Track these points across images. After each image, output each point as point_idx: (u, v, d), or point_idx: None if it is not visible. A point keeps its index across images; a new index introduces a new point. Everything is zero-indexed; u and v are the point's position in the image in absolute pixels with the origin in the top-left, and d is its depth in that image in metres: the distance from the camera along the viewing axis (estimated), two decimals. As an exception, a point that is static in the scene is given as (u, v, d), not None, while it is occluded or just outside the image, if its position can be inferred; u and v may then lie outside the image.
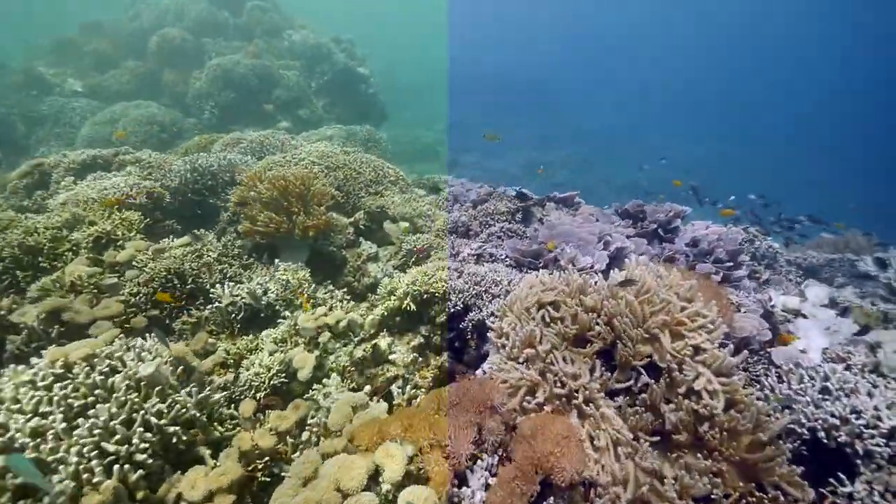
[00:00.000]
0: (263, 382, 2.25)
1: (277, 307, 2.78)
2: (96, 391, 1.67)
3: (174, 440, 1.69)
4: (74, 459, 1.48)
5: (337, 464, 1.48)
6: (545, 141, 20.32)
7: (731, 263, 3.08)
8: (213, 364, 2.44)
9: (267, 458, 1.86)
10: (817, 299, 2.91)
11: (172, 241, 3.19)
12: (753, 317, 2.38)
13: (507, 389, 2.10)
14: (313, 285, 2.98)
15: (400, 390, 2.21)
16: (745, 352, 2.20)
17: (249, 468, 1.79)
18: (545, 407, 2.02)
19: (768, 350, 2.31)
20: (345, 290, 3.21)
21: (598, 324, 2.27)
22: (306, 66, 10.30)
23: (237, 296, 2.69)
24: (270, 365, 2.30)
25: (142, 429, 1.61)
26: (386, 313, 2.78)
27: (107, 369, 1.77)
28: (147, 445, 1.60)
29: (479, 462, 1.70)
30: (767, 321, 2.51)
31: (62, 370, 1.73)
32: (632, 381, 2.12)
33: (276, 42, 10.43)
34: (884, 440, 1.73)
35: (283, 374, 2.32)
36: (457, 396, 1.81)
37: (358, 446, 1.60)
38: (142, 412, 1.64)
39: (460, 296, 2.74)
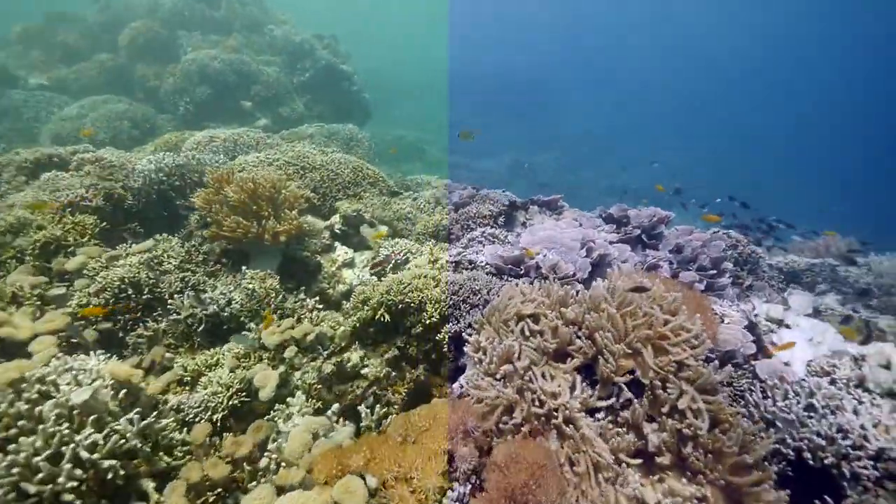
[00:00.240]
0: (221, 403, 2.08)
1: (242, 318, 2.61)
2: (20, 422, 1.49)
3: (110, 475, 1.51)
4: (-12, 503, 1.31)
5: (291, 502, 1.34)
6: (533, 142, 20.34)
7: (715, 271, 3.01)
8: (169, 382, 2.26)
9: (220, 490, 1.70)
10: (800, 308, 2.87)
11: (130, 246, 2.98)
12: (737, 328, 2.31)
13: (483, 408, 1.98)
14: (281, 295, 2.81)
15: (369, 411, 2.06)
16: (730, 367, 2.12)
17: (199, 502, 1.63)
18: (523, 427, 1.90)
19: (752, 363, 2.23)
20: (317, 298, 3.05)
21: (578, 337, 2.17)
22: (287, 62, 10.03)
23: (195, 307, 2.50)
24: (230, 383, 2.13)
25: (70, 465, 1.44)
26: (358, 324, 2.63)
27: (36, 395, 1.59)
28: (76, 483, 1.42)
29: (449, 493, 1.58)
30: (751, 332, 2.44)
31: (-16, 397, 1.55)
32: (613, 399, 2.02)
33: (255, 37, 10.13)
34: (871, 462, 1.66)
35: (245, 393, 2.16)
36: (427, 421, 1.68)
37: (316, 479, 1.45)
38: (72, 445, 1.47)
39: (436, 306, 2.61)
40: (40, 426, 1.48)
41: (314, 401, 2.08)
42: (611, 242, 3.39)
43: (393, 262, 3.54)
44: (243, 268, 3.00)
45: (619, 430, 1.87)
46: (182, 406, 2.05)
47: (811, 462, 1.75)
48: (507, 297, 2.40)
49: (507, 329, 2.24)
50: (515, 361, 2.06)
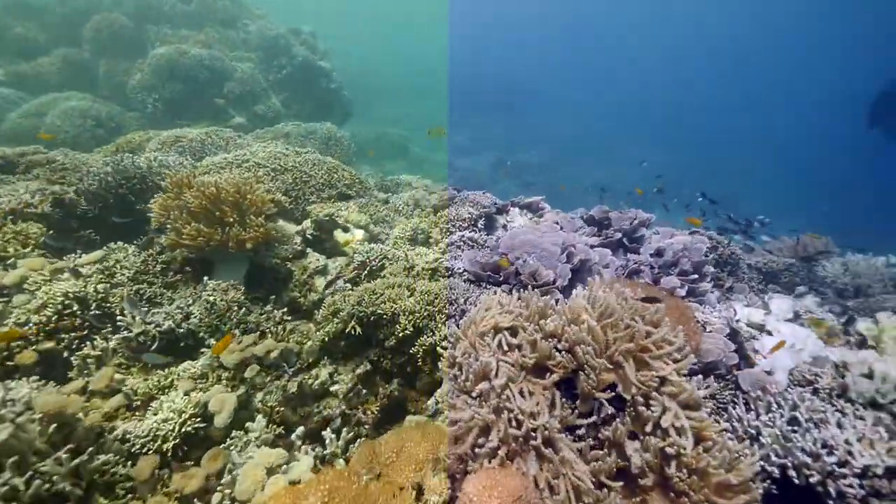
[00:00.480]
0: (173, 430, 1.90)
1: (201, 334, 2.43)
2: (-77, 469, 1.30)
3: (33, 525, 1.34)
4: None
5: (236, 553, 1.19)
6: (519, 140, 20.33)
7: (696, 276, 2.96)
8: (116, 407, 2.07)
9: (165, 532, 1.53)
10: (781, 312, 2.83)
11: (79, 256, 2.76)
12: (719, 337, 2.25)
13: (457, 431, 1.86)
14: (244, 308, 2.63)
15: (334, 436, 1.92)
16: (713, 380, 2.05)
17: (140, 548, 1.46)
18: (499, 451, 1.79)
19: (735, 373, 2.17)
20: (285, 309, 2.88)
21: (558, 350, 2.07)
22: (263, 58, 9.71)
23: (151, 323, 2.31)
24: (183, 408, 1.96)
25: (-18, 518, 1.26)
26: (327, 338, 2.47)
27: (-53, 436, 1.40)
28: (-11, 539, 1.25)
29: (417, 530, 1.45)
30: (733, 340, 2.38)
31: None
32: (595, 416, 1.93)
33: (230, 32, 9.77)
34: (857, 480, 1.59)
35: (200, 418, 1.99)
36: (394, 450, 1.55)
37: (268, 523, 1.31)
38: (-15, 495, 1.29)
39: (410, 317, 2.48)
40: (-52, 473, 1.29)
41: (275, 426, 1.92)
42: (592, 246, 3.31)
43: (368, 269, 3.39)
44: (205, 278, 2.81)
45: (600, 452, 1.77)
46: (128, 436, 1.87)
47: (796, 480, 1.69)
48: (485, 308, 2.28)
49: (484, 343, 2.12)
50: (492, 379, 1.94)
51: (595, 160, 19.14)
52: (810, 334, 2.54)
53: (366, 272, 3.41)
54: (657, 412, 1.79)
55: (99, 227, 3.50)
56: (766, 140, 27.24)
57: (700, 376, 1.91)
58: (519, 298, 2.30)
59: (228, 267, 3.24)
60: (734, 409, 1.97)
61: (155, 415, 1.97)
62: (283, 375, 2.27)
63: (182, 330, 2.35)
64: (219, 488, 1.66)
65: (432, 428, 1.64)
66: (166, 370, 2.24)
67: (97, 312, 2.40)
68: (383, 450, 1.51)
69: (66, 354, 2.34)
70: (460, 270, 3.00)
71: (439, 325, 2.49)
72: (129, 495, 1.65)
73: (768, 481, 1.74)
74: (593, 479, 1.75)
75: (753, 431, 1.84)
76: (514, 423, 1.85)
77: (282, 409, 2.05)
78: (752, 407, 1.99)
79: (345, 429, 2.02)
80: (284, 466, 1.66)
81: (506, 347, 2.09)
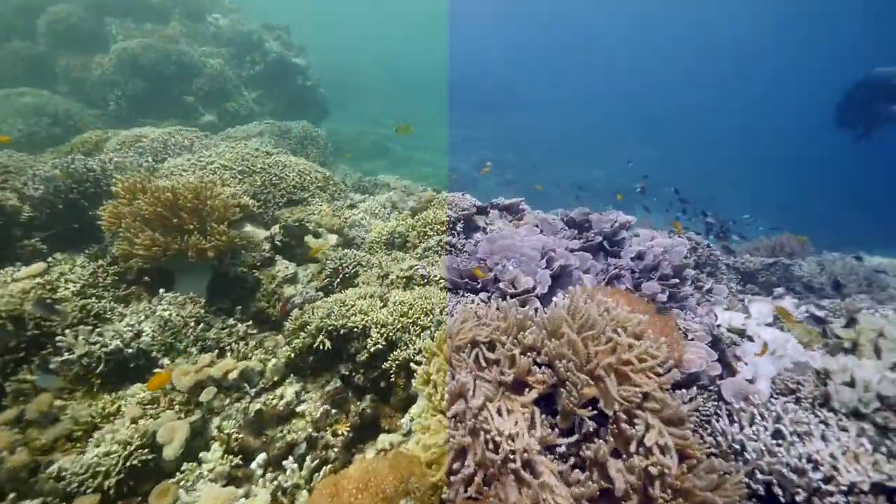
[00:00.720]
0: (116, 464, 1.72)
1: (154, 353, 2.23)
2: None
3: None
4: None
5: None
6: (502, 139, 20.30)
7: (677, 280, 2.91)
8: (55, 438, 1.87)
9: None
10: (761, 316, 2.81)
11: (18, 269, 2.51)
12: (702, 346, 2.19)
13: (430, 456, 1.74)
14: (202, 324, 2.44)
15: (296, 466, 1.77)
16: (696, 394, 1.99)
17: None
18: (475, 477, 1.68)
19: (718, 383, 2.11)
20: (250, 323, 2.70)
21: (538, 364, 1.97)
22: (235, 54, 9.34)
23: (96, 343, 2.11)
24: (128, 439, 1.77)
25: None
26: (294, 354, 2.31)
27: None
28: None
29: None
30: (715, 347, 2.33)
31: None
32: (576, 433, 1.83)
33: (198, 27, 9.36)
34: (843, 497, 1.54)
35: (149, 449, 1.81)
36: (359, 485, 1.41)
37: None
38: None
39: (383, 330, 2.34)
40: None
41: (231, 457, 1.76)
42: (572, 250, 3.23)
43: (341, 276, 3.23)
44: (161, 291, 2.60)
45: (582, 475, 1.68)
46: (63, 473, 1.67)
47: (781, 498, 1.62)
48: (461, 320, 2.16)
49: (460, 359, 2.00)
50: (469, 399, 1.82)
51: (580, 160, 19.29)
52: (790, 338, 2.52)
53: (339, 279, 3.25)
54: (640, 430, 1.71)
55: (47, 235, 3.24)
56: (748, 140, 27.96)
57: (683, 390, 1.84)
58: (497, 309, 2.19)
59: (190, 277, 3.03)
60: (718, 422, 1.90)
61: (96, 447, 1.78)
62: (245, 396, 2.10)
63: (132, 350, 2.15)
64: (165, 532, 1.49)
65: (401, 459, 1.51)
66: (112, 395, 2.05)
67: (35, 332, 2.18)
68: (346, 485, 1.37)
69: (-1, 380, 2.12)
70: (437, 278, 2.88)
71: (413, 338, 2.36)
72: (60, 545, 1.47)
73: (754, 500, 1.67)
74: (575, 504, 1.66)
75: (738, 446, 1.78)
76: (491, 446, 1.74)
77: (241, 435, 1.89)
78: (736, 419, 1.93)
79: (309, 456, 1.87)
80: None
81: (483, 363, 1.97)
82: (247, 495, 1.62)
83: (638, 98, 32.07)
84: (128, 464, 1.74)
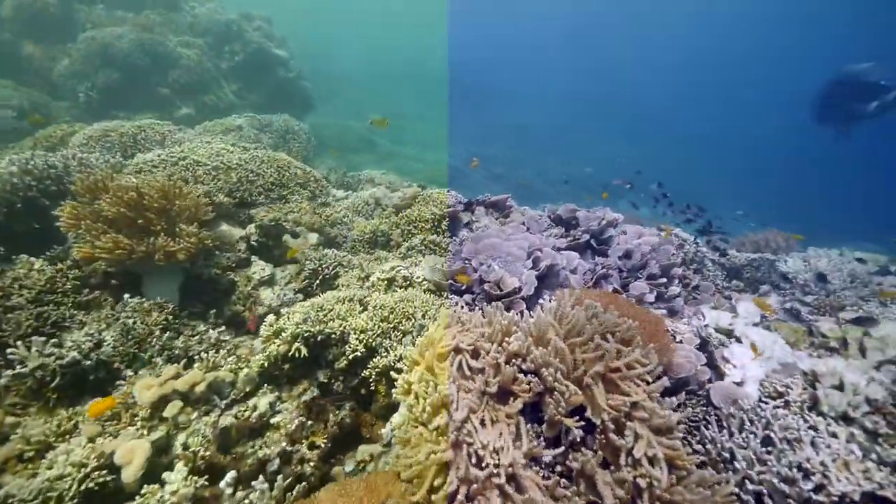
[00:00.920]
0: (70, 489, 1.59)
1: (116, 365, 2.09)
2: None
3: None
4: None
5: None
6: (487, 134, 20.17)
7: (665, 279, 2.86)
8: (5, 458, 1.73)
9: None
10: (748, 315, 2.78)
11: (-33, 275, 2.33)
12: (690, 349, 2.13)
13: (411, 473, 1.65)
14: (169, 331, 2.30)
15: (266, 486, 1.66)
16: (685, 399, 1.93)
17: None
18: (458, 494, 1.59)
19: (707, 387, 2.06)
20: (222, 329, 2.56)
21: (523, 372, 1.89)
22: (213, 44, 9.01)
23: (52, 355, 1.96)
24: (83, 461, 1.64)
25: None
26: (267, 363, 2.19)
27: None
28: None
29: None
30: (703, 349, 2.28)
31: None
32: (563, 442, 1.77)
33: (174, 15, 9.00)
34: (835, 507, 1.50)
35: (107, 471, 1.68)
36: (331, 510, 1.31)
37: None
38: None
39: (362, 336, 2.23)
40: None
41: (195, 479, 1.64)
42: (559, 249, 3.16)
43: (320, 277, 3.11)
44: (125, 296, 2.45)
45: (569, 491, 1.60)
46: (10, 500, 1.54)
47: (773, 508, 1.58)
48: (444, 325, 2.07)
49: (442, 367, 1.91)
50: (452, 412, 1.73)
51: (565, 154, 19.30)
52: (777, 339, 2.49)
53: (319, 281, 3.13)
54: (630, 440, 1.64)
55: (4, 237, 3.03)
56: (734, 136, 28.29)
57: (672, 398, 1.78)
58: (483, 315, 2.10)
59: (159, 280, 2.87)
60: (707, 429, 1.85)
61: (49, 469, 1.64)
62: (215, 409, 1.98)
63: (90, 362, 2.00)
64: (121, 563, 1.38)
65: (378, 479, 1.41)
66: (70, 411, 1.91)
67: (-16, 344, 2.02)
68: (318, 510, 1.27)
69: (-57, 396, 1.95)
70: (420, 280, 2.77)
71: (395, 344, 2.26)
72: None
73: (744, 511, 1.63)
74: (561, 520, 1.59)
75: (727, 455, 1.73)
76: (475, 460, 1.66)
77: (208, 452, 1.77)
78: (725, 425, 1.88)
79: (282, 474, 1.76)
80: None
81: (467, 372, 1.89)
82: (212, 520, 1.51)
83: (623, 94, 32.21)
84: (83, 487, 1.61)
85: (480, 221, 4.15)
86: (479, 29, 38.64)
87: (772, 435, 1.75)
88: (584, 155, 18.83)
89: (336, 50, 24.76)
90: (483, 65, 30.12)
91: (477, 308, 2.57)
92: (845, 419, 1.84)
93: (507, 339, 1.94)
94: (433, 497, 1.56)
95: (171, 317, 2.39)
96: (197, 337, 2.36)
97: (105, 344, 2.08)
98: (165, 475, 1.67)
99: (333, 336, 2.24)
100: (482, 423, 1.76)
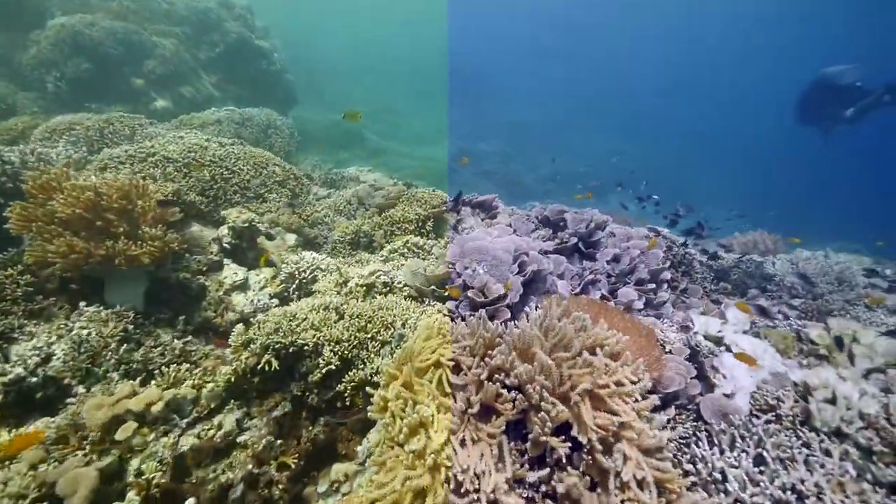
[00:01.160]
0: (5, 525, 1.43)
1: (67, 381, 1.92)
2: None
3: None
4: None
5: None
6: (478, 130, 20.01)
7: (654, 284, 2.78)
8: (-65, 490, 1.55)
9: None
10: (738, 322, 2.72)
11: None
12: (680, 361, 2.05)
13: (385, 500, 1.53)
14: (127, 343, 2.13)
15: (227, 518, 1.53)
16: (675, 414, 1.85)
17: None
18: (435, 523, 1.48)
19: (697, 401, 1.98)
20: (188, 339, 2.40)
21: (507, 388, 1.78)
22: (191, 34, 8.68)
23: (-8, 372, 1.78)
24: (24, 490, 1.48)
25: None
26: (235, 377, 2.05)
27: None
28: None
29: None
30: (693, 360, 2.21)
31: None
32: (548, 470, 1.66)
33: (149, 3, 8.62)
34: (831, 533, 1.43)
35: (47, 503, 1.52)
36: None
37: None
38: None
39: (337, 348, 2.10)
40: None
41: (148, 511, 1.49)
42: (546, 252, 3.06)
43: (297, 281, 2.96)
44: (81, 304, 2.27)
45: (554, 518, 1.51)
46: (-66, 540, 1.38)
47: (766, 532, 1.50)
48: (424, 337, 1.96)
49: (421, 383, 1.79)
50: (432, 434, 1.62)
51: (555, 150, 19.27)
52: (767, 347, 2.43)
53: (295, 285, 2.98)
54: (618, 462, 1.55)
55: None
56: (724, 135, 28.55)
57: (663, 415, 1.69)
58: (467, 325, 1.99)
59: (122, 285, 2.69)
60: (697, 447, 1.77)
61: (-17, 503, 1.48)
62: (175, 429, 1.83)
63: (37, 378, 1.83)
64: None
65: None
66: (12, 433, 1.74)
67: (-84, 360, 1.83)
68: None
69: None
70: (401, 285, 2.64)
71: (372, 356, 2.13)
72: None
73: (736, 534, 1.55)
74: (546, 549, 1.49)
75: (719, 475, 1.65)
76: (453, 486, 1.55)
77: (164, 479, 1.62)
78: (716, 441, 1.80)
79: (247, 498, 1.63)
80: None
81: (447, 389, 1.77)
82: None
83: (619, 90, 32.30)
84: (20, 522, 1.45)
85: (466, 222, 4.03)
86: (474, 20, 38.27)
87: (764, 453, 1.67)
88: (579, 152, 18.81)
89: (320, 40, 24.24)
90: (478, 57, 29.85)
91: (459, 318, 2.45)
92: (838, 435, 1.77)
93: (489, 352, 1.83)
94: (408, 528, 1.44)
95: (130, 326, 2.22)
96: (159, 348, 2.20)
97: (55, 358, 1.91)
98: (115, 506, 1.52)
99: (307, 347, 2.10)
100: (462, 443, 1.65)
